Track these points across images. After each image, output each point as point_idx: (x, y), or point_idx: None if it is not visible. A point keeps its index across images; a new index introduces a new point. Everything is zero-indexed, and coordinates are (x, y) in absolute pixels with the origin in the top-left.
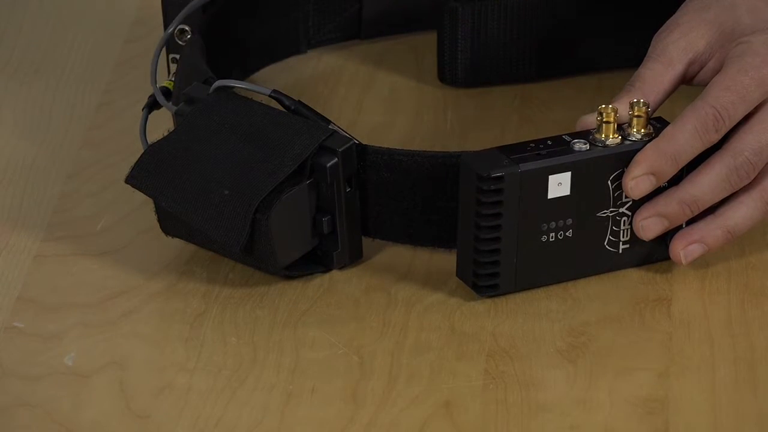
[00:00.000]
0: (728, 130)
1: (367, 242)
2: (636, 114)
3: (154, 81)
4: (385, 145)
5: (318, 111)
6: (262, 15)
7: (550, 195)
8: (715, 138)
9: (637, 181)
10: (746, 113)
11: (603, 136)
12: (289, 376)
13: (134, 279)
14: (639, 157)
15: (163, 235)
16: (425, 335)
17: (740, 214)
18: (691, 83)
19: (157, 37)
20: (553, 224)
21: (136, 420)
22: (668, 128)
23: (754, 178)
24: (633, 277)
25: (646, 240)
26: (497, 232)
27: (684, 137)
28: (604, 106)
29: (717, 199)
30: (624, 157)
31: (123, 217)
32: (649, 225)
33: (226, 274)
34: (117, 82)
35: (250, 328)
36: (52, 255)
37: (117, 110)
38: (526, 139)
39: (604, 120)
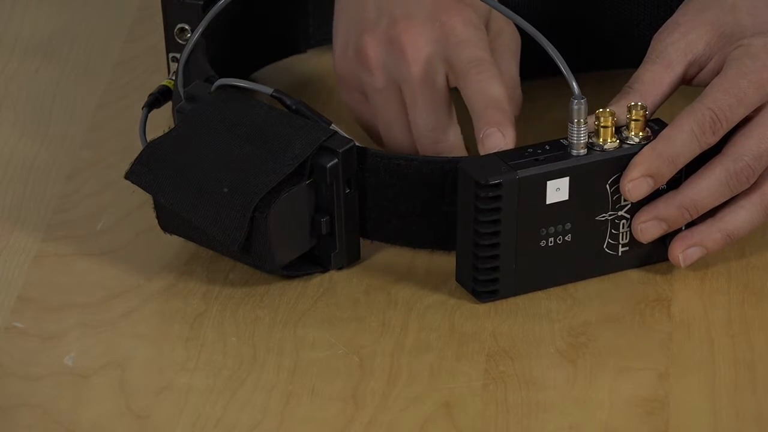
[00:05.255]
0: (726, 132)
1: (367, 242)
2: (634, 118)
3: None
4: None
5: (318, 111)
6: (262, 14)
7: (549, 200)
8: (713, 140)
9: (634, 183)
10: (744, 116)
11: (601, 140)
12: (289, 377)
13: (134, 279)
14: (637, 159)
15: (163, 235)
16: (425, 335)
17: (740, 218)
18: (690, 84)
19: (158, 37)
20: (552, 229)
21: (136, 420)
22: (665, 131)
23: (754, 183)
24: (633, 277)
25: (645, 243)
26: (496, 238)
27: (681, 140)
28: (601, 110)
29: (716, 203)
30: (622, 161)
31: (123, 217)
32: (647, 228)
33: (226, 274)
34: (117, 82)
35: (250, 328)
36: (52, 255)
37: (117, 110)
38: (527, 140)
39: (602, 124)
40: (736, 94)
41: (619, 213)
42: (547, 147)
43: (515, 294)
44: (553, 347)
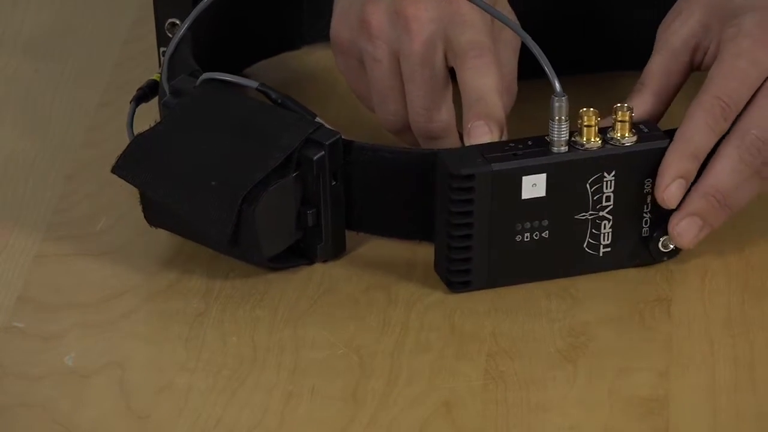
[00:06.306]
0: (736, 116)
1: (367, 242)
2: (619, 119)
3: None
4: (380, 142)
5: (312, 107)
6: (254, 9)
7: (525, 196)
8: (726, 126)
9: (669, 189)
10: (749, 97)
11: (584, 139)
12: (289, 376)
13: (134, 279)
14: (663, 166)
15: (163, 234)
16: (425, 335)
17: (721, 170)
18: (700, 70)
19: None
20: (528, 224)
21: (136, 420)
22: (680, 129)
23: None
24: (633, 277)
25: (689, 247)
26: (469, 229)
27: (698, 134)
28: (584, 109)
29: (740, 183)
30: (603, 161)
31: (123, 217)
32: (684, 228)
33: (226, 273)
34: (117, 82)
35: (250, 328)
36: (52, 255)
37: (117, 110)
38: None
39: (585, 123)
40: (737, 77)
41: (600, 213)
42: (530, 142)
43: (488, 286)
44: (553, 347)
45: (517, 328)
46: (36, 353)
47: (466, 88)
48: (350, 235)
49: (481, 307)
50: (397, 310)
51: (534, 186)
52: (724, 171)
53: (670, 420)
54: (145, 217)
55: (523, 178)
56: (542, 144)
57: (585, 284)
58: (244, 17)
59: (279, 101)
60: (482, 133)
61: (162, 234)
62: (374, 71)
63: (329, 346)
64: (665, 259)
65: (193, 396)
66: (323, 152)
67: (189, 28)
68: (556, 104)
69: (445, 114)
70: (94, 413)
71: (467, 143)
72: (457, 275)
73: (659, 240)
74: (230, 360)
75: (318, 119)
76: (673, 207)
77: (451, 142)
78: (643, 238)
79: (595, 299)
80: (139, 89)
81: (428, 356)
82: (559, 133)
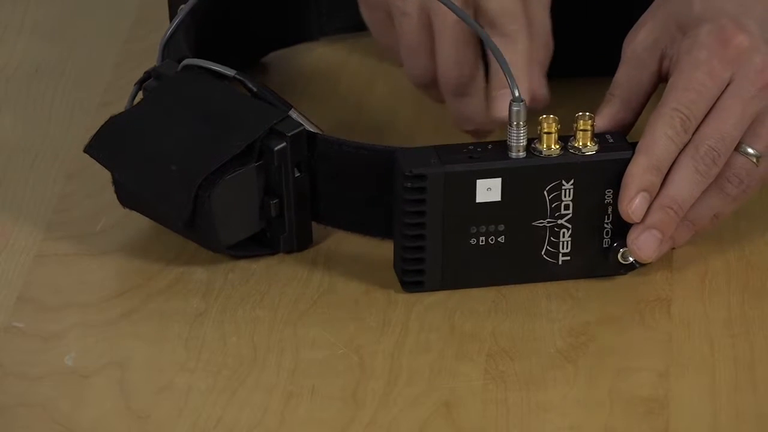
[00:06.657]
0: (696, 127)
1: (369, 242)
2: (581, 128)
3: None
4: (384, 143)
5: (318, 101)
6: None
7: (479, 199)
8: (686, 138)
9: (633, 203)
10: (708, 108)
11: (543, 146)
12: (289, 376)
13: (134, 279)
14: (626, 180)
15: (163, 234)
16: (425, 335)
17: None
18: (667, 80)
19: (157, 37)
20: (483, 228)
21: (136, 420)
22: (642, 142)
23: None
24: (633, 277)
25: (650, 260)
26: (420, 229)
27: (660, 146)
28: (544, 116)
29: (696, 194)
30: (560, 169)
31: (123, 217)
32: (644, 242)
33: (226, 273)
34: (117, 82)
35: (250, 328)
36: (52, 255)
37: (117, 110)
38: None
39: (544, 130)
40: (694, 88)
41: (559, 222)
42: (490, 146)
43: (443, 288)
44: (553, 347)
45: (517, 328)
46: (36, 353)
47: (495, 53)
48: (353, 238)
49: (481, 307)
50: (397, 311)
51: (489, 190)
52: (681, 182)
53: (670, 420)
54: (117, 198)
55: (477, 181)
56: (502, 148)
57: (585, 284)
58: (262, 5)
59: (255, 90)
60: (507, 101)
61: (161, 234)
62: (403, 25)
63: (329, 346)
64: (622, 272)
65: (193, 396)
66: (285, 143)
67: (190, 14)
68: (514, 109)
69: (475, 69)
70: (94, 413)
71: (491, 111)
72: (410, 275)
73: (618, 251)
74: (230, 360)
75: (293, 111)
76: (638, 221)
77: (477, 102)
78: (604, 249)
79: (595, 299)
80: (146, 72)
81: (428, 356)
82: (518, 138)
